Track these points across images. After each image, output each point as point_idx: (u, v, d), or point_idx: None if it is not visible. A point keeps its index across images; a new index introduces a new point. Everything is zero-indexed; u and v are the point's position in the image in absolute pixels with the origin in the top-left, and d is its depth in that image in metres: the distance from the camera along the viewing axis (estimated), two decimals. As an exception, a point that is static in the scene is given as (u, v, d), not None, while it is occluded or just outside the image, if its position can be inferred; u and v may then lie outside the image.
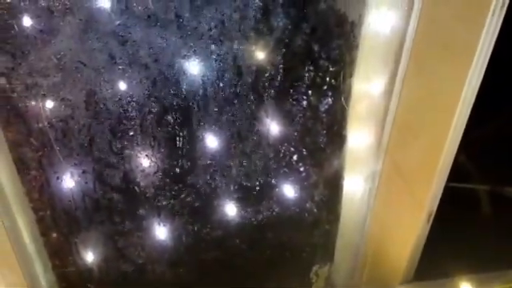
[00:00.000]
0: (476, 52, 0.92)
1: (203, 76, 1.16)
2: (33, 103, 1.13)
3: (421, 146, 1.14)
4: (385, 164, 1.29)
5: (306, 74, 1.22)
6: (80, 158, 1.23)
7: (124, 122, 1.19)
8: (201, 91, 1.18)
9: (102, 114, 1.17)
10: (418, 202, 1.16)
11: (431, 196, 1.13)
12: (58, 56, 1.09)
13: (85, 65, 1.10)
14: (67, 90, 1.13)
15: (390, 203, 1.30)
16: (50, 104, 1.14)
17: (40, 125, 1.16)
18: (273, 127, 1.27)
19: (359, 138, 1.34)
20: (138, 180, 1.28)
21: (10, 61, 1.08)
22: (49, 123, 1.16)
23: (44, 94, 1.13)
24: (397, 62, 1.15)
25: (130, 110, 1.18)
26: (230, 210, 1.37)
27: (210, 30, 1.11)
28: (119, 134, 1.21)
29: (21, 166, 1.22)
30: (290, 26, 1.14)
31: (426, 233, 1.20)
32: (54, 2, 1.03)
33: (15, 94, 1.12)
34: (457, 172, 1.15)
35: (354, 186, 1.42)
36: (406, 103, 1.17)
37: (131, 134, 1.21)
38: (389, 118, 1.23)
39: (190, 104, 1.20)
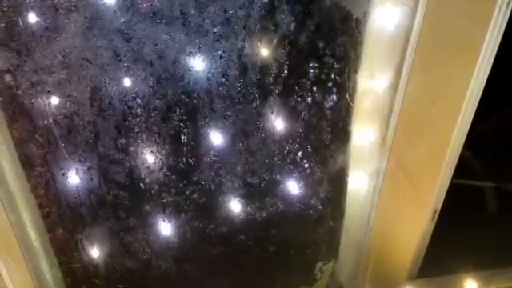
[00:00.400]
0: (482, 48, 0.91)
1: (208, 73, 1.16)
2: (38, 100, 1.14)
3: (426, 143, 1.13)
4: (389, 161, 1.29)
5: (311, 71, 1.21)
6: (85, 155, 1.23)
7: (129, 118, 1.19)
8: (206, 88, 1.18)
9: (106, 111, 1.18)
10: (422, 199, 1.16)
11: (436, 193, 1.12)
12: (63, 53, 1.09)
13: (90, 62, 1.11)
14: (72, 87, 1.13)
15: (395, 200, 1.30)
16: (55, 101, 1.15)
17: (45, 122, 1.17)
18: (278, 124, 1.27)
19: (364, 134, 1.33)
20: (143, 176, 1.29)
21: (16, 58, 1.08)
22: (54, 120, 1.17)
23: (49, 91, 1.13)
24: (402, 58, 1.14)
25: (135, 106, 1.18)
26: (235, 206, 1.37)
27: (215, 26, 1.11)
28: (124, 131, 1.21)
29: (26, 163, 1.23)
30: (295, 23, 1.14)
31: (431, 230, 1.20)
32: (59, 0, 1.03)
33: (20, 91, 1.12)
34: (462, 169, 1.14)
35: (359, 182, 1.41)
36: (411, 100, 1.16)
37: (136, 130, 1.21)
38: (394, 115, 1.22)
39: (195, 101, 1.20)
